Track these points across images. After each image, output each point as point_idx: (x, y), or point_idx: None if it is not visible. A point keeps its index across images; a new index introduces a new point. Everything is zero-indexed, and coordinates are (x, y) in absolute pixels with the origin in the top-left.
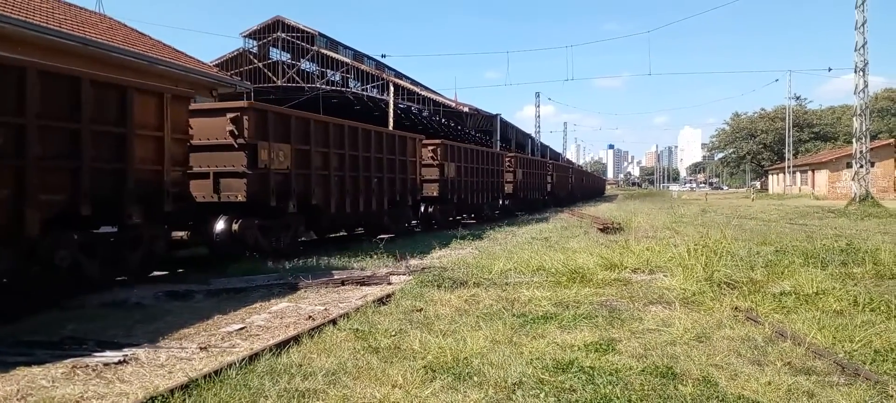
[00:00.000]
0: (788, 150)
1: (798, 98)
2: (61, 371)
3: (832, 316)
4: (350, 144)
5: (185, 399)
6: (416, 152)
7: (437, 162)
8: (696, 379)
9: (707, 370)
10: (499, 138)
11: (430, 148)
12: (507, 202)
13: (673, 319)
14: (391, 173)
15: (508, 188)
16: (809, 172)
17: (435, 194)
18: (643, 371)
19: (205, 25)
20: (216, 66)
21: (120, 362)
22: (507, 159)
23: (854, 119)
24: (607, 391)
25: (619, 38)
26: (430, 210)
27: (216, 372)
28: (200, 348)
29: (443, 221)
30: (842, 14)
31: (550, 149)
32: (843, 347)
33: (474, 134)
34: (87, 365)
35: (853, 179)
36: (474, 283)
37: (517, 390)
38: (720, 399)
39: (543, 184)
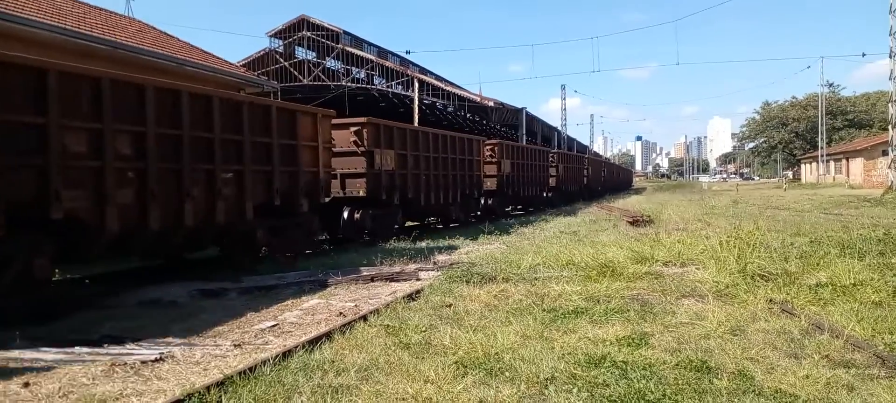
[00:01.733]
0: (821, 139)
1: (831, 85)
2: (101, 368)
3: (871, 307)
4: (157, 118)
5: (220, 396)
6: (320, 135)
7: (362, 148)
8: (731, 373)
9: (742, 363)
10: (524, 132)
11: (353, 129)
12: (490, 201)
13: (706, 312)
14: (265, 165)
15: (490, 184)
16: (844, 161)
17: (361, 194)
18: (677, 364)
19: (232, 26)
20: (243, 66)
21: (157, 360)
22: (487, 147)
23: (889, 105)
24: (641, 385)
25: (645, 28)
26: (357, 216)
27: (251, 369)
28: (234, 345)
29: (380, 231)
30: None
31: (577, 142)
32: (882, 339)
33: (499, 128)
34: (126, 363)
35: (889, 167)
36: (503, 278)
37: (550, 385)
38: (757, 393)
39: (545, 178)
